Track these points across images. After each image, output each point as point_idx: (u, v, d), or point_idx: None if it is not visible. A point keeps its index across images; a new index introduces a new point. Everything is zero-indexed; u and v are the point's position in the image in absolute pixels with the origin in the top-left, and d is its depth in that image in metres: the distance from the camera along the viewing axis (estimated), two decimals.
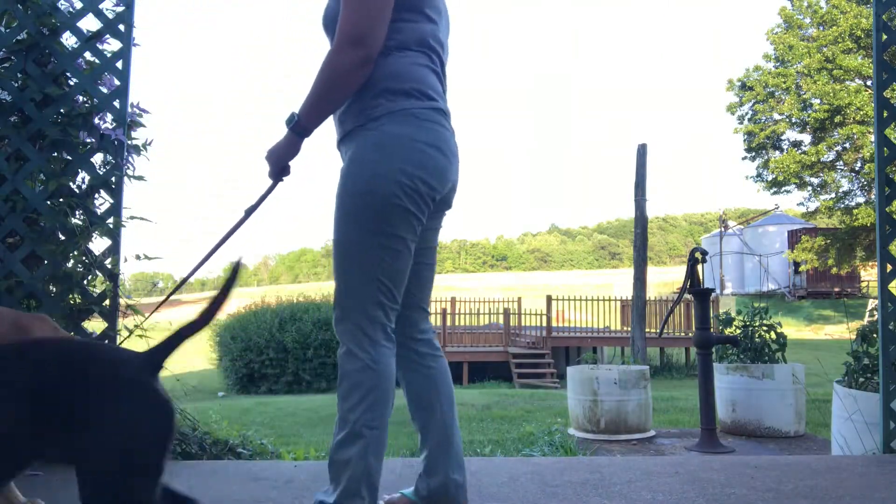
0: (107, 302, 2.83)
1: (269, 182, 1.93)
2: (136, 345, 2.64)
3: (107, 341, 2.75)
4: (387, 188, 1.72)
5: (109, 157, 2.89)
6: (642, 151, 11.14)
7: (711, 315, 4.76)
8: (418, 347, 1.98)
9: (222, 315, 17.55)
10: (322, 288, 21.74)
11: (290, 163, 1.89)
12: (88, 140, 2.83)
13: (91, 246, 2.85)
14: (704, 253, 4.67)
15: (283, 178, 1.94)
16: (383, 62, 1.76)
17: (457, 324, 17.39)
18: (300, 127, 1.80)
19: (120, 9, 2.90)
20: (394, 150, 1.74)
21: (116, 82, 2.90)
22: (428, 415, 1.95)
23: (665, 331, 14.67)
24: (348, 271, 1.79)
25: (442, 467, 1.95)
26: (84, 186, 2.88)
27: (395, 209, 1.74)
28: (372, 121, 1.76)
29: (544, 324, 16.16)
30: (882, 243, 3.16)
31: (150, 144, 3.01)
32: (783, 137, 22.42)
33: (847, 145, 20.61)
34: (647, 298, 12.24)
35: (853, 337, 3.68)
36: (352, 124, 1.81)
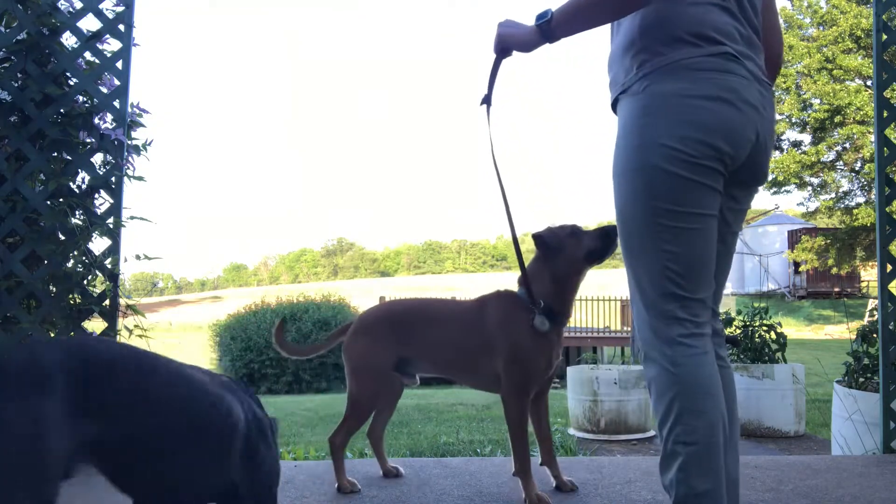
0: (107, 302, 2.83)
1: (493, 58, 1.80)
2: (136, 344, 2.64)
3: None
4: (656, 158, 1.47)
5: (109, 157, 2.89)
6: None
7: None
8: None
9: (222, 315, 17.56)
10: (322, 288, 21.74)
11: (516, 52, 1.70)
12: (88, 140, 2.83)
13: (91, 246, 2.85)
14: None
15: (503, 59, 1.79)
16: (650, 9, 1.51)
17: None
18: (548, 28, 1.57)
19: (120, 9, 2.90)
20: (661, 112, 1.47)
21: (116, 82, 2.90)
22: None
23: None
24: (634, 263, 1.56)
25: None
26: (84, 186, 2.88)
27: (671, 181, 1.46)
28: (637, 81, 1.52)
29: None
30: (882, 243, 3.16)
31: (150, 144, 3.01)
32: (783, 137, 22.41)
33: (847, 145, 20.60)
34: None
35: (853, 337, 3.68)
36: (619, 88, 1.59)
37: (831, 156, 21.22)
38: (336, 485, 2.39)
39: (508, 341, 2.22)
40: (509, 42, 1.71)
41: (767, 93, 1.57)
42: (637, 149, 1.50)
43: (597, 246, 2.23)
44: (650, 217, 1.49)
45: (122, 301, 2.88)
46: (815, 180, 22.10)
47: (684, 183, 1.46)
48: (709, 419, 1.46)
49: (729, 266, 1.69)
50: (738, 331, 5.31)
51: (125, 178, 2.89)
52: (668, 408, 1.47)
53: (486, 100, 1.88)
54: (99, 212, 2.88)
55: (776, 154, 22.10)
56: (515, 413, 2.22)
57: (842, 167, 21.40)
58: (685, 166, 1.45)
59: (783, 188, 22.74)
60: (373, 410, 2.48)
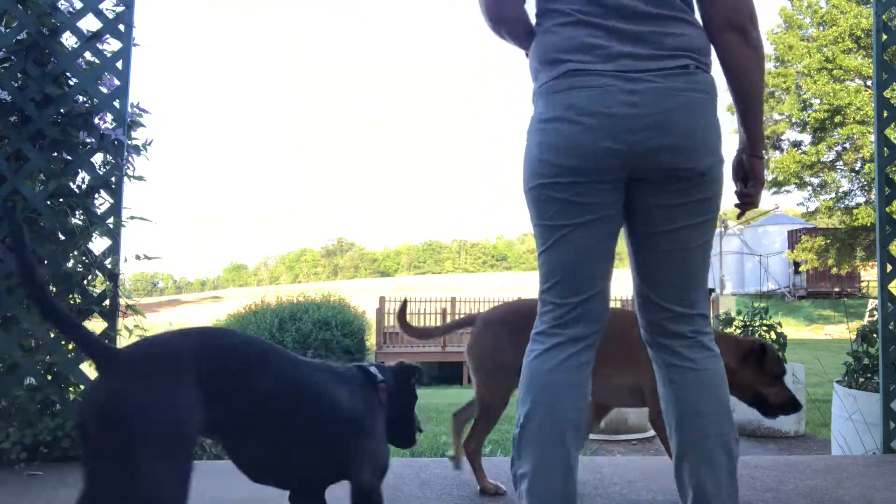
0: (107, 302, 2.83)
1: None
2: None
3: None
4: (526, 180, 1.63)
5: (109, 157, 2.89)
6: None
7: (712, 315, 4.76)
8: (663, 355, 1.68)
9: (222, 315, 17.56)
10: (322, 288, 21.73)
11: None
12: (88, 140, 2.83)
13: (91, 246, 2.85)
14: None
15: None
16: (535, 39, 1.66)
17: None
18: None
19: (120, 9, 2.90)
20: (528, 138, 1.64)
21: (116, 82, 2.90)
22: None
23: None
24: None
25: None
26: (84, 186, 2.88)
27: (536, 199, 1.62)
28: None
29: None
30: (882, 243, 3.16)
31: (150, 144, 3.01)
32: (783, 137, 22.41)
33: (847, 145, 20.59)
34: None
35: (853, 337, 3.68)
36: None
37: (831, 156, 21.21)
38: (478, 487, 2.41)
39: None
40: None
41: (651, 84, 1.52)
42: (522, 172, 1.67)
43: None
44: (534, 229, 1.68)
45: (122, 301, 2.88)
46: (815, 180, 22.09)
47: (545, 200, 1.60)
48: (526, 410, 1.59)
49: (679, 265, 1.63)
50: (738, 331, 5.30)
51: (125, 178, 2.89)
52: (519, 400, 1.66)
53: None
54: (99, 212, 2.88)
55: (776, 154, 22.10)
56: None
57: (842, 167, 21.39)
58: (544, 186, 1.59)
59: (783, 188, 22.73)
60: (502, 412, 2.43)
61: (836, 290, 25.42)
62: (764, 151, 1.76)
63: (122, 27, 2.90)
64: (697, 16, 1.62)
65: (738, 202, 1.75)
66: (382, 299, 16.28)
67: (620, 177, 1.56)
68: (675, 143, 1.52)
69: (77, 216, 2.83)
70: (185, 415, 1.30)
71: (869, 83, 19.26)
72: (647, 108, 1.51)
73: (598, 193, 1.57)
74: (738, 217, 1.74)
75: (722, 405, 1.64)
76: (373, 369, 1.72)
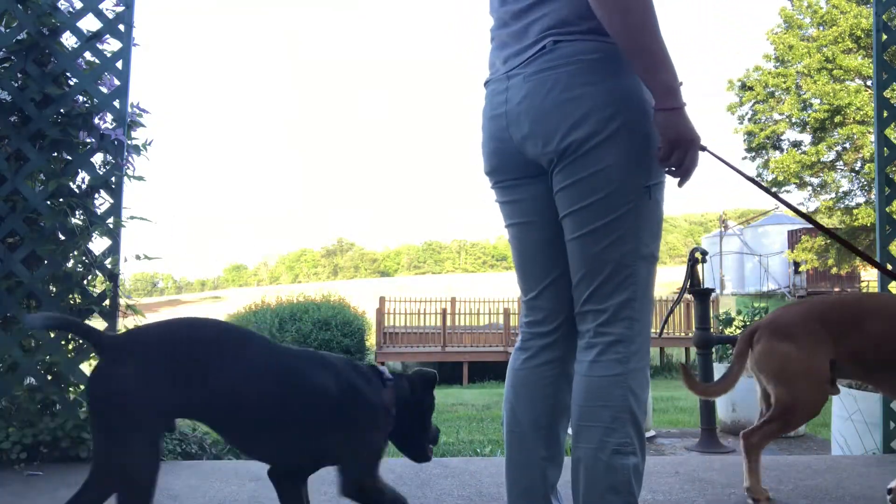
0: (107, 302, 2.83)
1: None
2: None
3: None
4: None
5: (109, 157, 2.89)
6: None
7: (711, 315, 4.76)
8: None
9: (222, 315, 17.55)
10: (322, 288, 21.72)
11: None
12: (88, 140, 2.83)
13: (91, 246, 2.85)
14: (704, 253, 4.67)
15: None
16: None
17: (457, 324, 17.38)
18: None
19: (120, 9, 2.90)
20: None
21: (116, 82, 2.90)
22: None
23: (665, 331, 14.66)
24: None
25: None
26: (84, 186, 2.88)
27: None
28: None
29: None
30: (882, 243, 3.16)
31: (150, 144, 3.01)
32: (783, 137, 22.39)
33: (847, 145, 20.58)
34: None
35: None
36: None
37: (831, 156, 21.20)
38: (746, 484, 2.25)
39: None
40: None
41: (516, 77, 1.54)
42: None
43: None
44: None
45: (122, 301, 2.88)
46: (815, 180, 22.08)
47: (497, 201, 1.72)
48: (512, 413, 1.67)
49: (572, 256, 1.55)
50: (738, 331, 5.31)
51: (125, 178, 2.89)
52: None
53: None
54: (99, 212, 2.88)
55: (776, 154, 22.11)
56: None
57: (842, 167, 21.38)
58: (491, 188, 1.72)
59: (783, 188, 22.73)
60: (807, 421, 2.32)
61: (836, 290, 25.40)
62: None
63: (122, 27, 2.90)
64: None
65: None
66: (382, 299, 16.27)
67: (526, 173, 1.59)
68: (531, 130, 1.51)
69: (77, 216, 2.83)
70: (150, 397, 1.39)
71: (869, 83, 19.27)
72: (511, 104, 1.55)
73: (518, 191, 1.63)
74: (679, 186, 1.49)
75: (586, 415, 1.51)
76: (384, 370, 1.72)
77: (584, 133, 1.44)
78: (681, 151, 1.43)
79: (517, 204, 1.65)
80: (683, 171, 1.46)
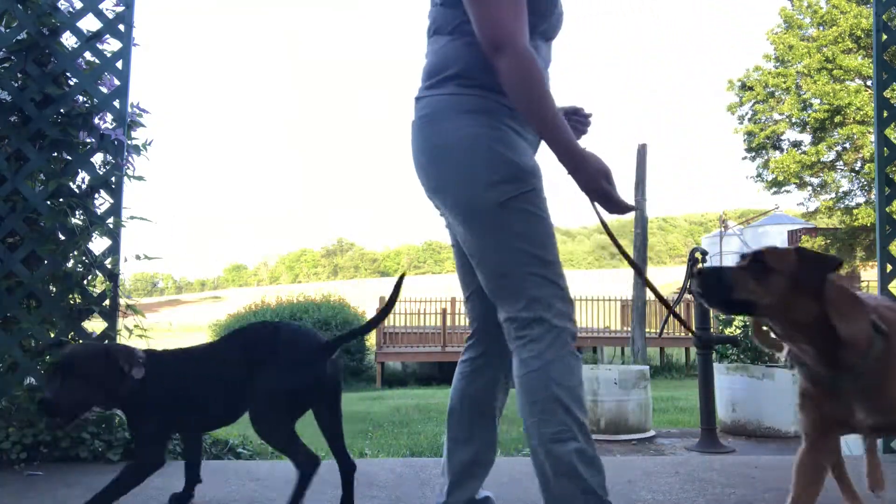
0: (107, 302, 2.83)
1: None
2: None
3: (106, 341, 2.75)
4: None
5: (109, 157, 2.89)
6: (642, 151, 11.14)
7: (711, 315, 4.76)
8: None
9: (222, 315, 17.56)
10: (322, 288, 21.73)
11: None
12: (88, 140, 2.83)
13: (91, 246, 2.85)
14: (704, 253, 4.67)
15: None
16: None
17: (457, 324, 17.37)
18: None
19: (120, 9, 2.91)
20: None
21: (116, 82, 2.90)
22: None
23: (665, 331, 14.66)
24: None
25: None
26: (84, 186, 2.89)
27: None
28: None
29: None
30: (882, 243, 3.16)
31: (150, 144, 3.01)
32: (783, 137, 22.40)
33: (847, 145, 20.59)
34: (647, 298, 12.22)
35: None
36: None
37: (831, 156, 21.21)
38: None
39: None
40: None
41: (417, 103, 1.68)
42: None
43: None
44: None
45: (122, 301, 2.88)
46: (815, 180, 22.10)
47: None
48: (452, 415, 1.88)
49: (485, 284, 1.67)
50: (738, 331, 5.31)
51: (125, 178, 2.89)
52: None
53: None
54: (99, 212, 2.88)
55: (776, 154, 22.12)
56: None
57: (842, 167, 21.39)
58: None
59: (783, 188, 22.73)
60: None
61: None
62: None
63: (122, 27, 2.90)
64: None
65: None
66: (382, 299, 16.25)
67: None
68: (419, 157, 1.67)
69: (77, 216, 2.83)
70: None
71: (869, 83, 19.26)
72: (414, 121, 1.69)
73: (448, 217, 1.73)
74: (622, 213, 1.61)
75: (524, 413, 1.63)
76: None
77: (438, 181, 1.68)
78: (607, 202, 1.59)
79: (451, 227, 1.78)
80: (616, 212, 1.62)
